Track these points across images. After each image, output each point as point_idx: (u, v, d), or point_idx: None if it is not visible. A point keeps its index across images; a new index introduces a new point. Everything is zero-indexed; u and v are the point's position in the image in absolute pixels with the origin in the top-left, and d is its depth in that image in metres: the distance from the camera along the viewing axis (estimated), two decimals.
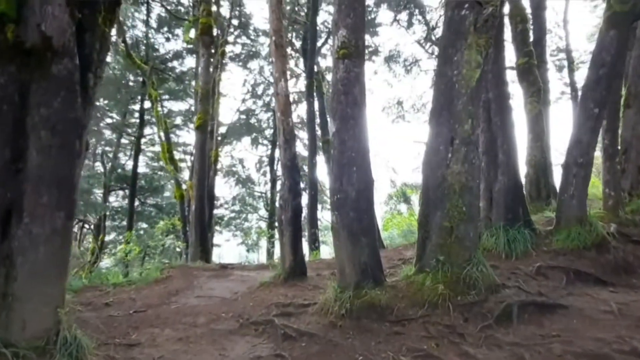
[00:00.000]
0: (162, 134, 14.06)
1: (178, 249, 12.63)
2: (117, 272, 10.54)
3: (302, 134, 24.71)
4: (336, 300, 4.33)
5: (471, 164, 4.36)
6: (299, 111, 25.73)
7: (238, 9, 21.63)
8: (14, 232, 3.11)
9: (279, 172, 26.58)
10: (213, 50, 11.07)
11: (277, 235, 23.50)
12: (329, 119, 10.89)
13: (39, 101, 3.09)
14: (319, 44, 20.02)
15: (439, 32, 17.27)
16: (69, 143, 3.20)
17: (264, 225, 25.70)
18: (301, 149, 26.05)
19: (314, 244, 13.94)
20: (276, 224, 23.88)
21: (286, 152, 6.64)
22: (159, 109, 14.46)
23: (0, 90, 3.02)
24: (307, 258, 10.57)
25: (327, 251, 21.02)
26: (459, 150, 4.34)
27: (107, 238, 24.65)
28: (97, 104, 23.81)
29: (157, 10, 21.95)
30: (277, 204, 9.76)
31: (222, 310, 5.17)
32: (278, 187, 24.68)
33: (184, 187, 13.66)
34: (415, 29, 19.13)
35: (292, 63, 23.88)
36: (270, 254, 21.62)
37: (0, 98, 3.03)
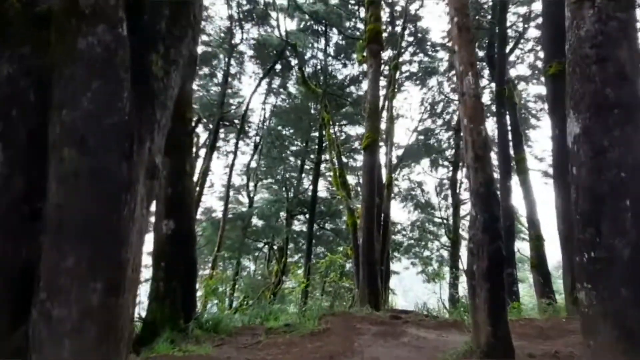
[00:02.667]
0: (334, 157, 13.15)
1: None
2: (283, 308, 9.69)
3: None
4: None
5: None
6: None
7: (412, 24, 20.13)
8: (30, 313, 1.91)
9: (463, 196, 23.79)
10: (383, 65, 9.59)
11: (463, 278, 20.59)
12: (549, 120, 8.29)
13: (60, 99, 1.84)
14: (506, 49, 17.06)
15: None
16: (108, 167, 1.87)
17: (445, 254, 23.06)
18: None
19: (511, 289, 11.01)
20: (463, 274, 21.10)
21: (477, 173, 4.55)
22: (332, 132, 13.62)
23: (6, 86, 1.86)
24: None
25: (524, 292, 17.40)
26: None
27: (291, 260, 25.26)
28: (284, 132, 24.98)
29: (334, 38, 22.06)
30: (467, 247, 7.58)
31: None
32: (462, 212, 21.86)
33: (356, 214, 12.41)
34: None
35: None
36: (455, 299, 18.80)
37: (7, 98, 1.86)
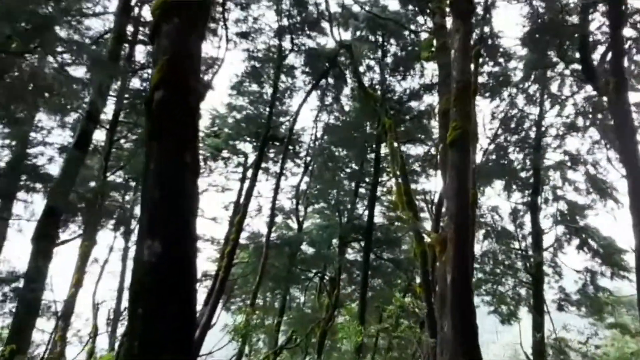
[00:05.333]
0: (397, 171, 10.44)
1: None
2: None
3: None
4: None
5: None
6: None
7: (485, 29, 17.33)
8: None
9: (544, 225, 19.90)
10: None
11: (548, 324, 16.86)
12: None
13: None
14: None
15: None
16: None
17: (523, 292, 19.30)
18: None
19: None
20: (548, 317, 17.25)
21: None
22: (394, 142, 11.00)
23: None
24: None
25: None
26: None
27: (345, 291, 22.41)
28: (337, 153, 22.61)
29: (392, 49, 19.73)
30: None
31: None
32: (546, 243, 18.19)
33: (426, 240, 9.59)
34: None
35: None
36: (540, 342, 15.21)
37: None
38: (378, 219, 21.12)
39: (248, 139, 21.08)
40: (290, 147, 22.66)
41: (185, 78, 4.46)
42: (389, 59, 19.23)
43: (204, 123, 22.05)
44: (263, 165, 23.21)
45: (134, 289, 4.02)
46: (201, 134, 21.55)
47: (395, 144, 11.28)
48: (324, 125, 21.19)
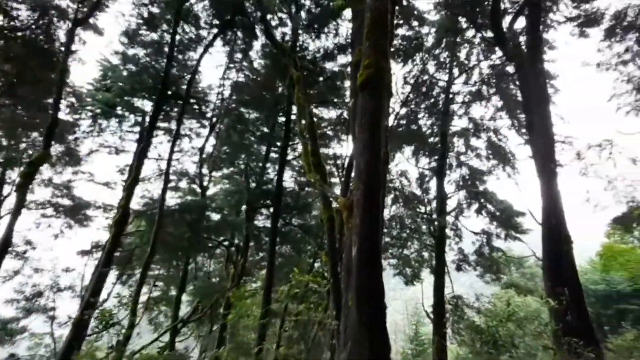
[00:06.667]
0: (305, 131, 9.22)
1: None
2: None
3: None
4: None
5: None
6: None
7: None
8: None
9: (448, 190, 20.30)
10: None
11: (448, 283, 17.25)
12: None
13: None
14: None
15: None
16: None
17: (426, 254, 19.59)
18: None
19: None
20: (448, 278, 17.68)
21: None
22: (302, 97, 9.73)
23: None
24: None
25: None
26: None
27: (253, 259, 21.29)
28: (247, 115, 20.88)
29: (307, 3, 18.16)
30: None
31: None
32: (449, 207, 18.45)
33: (334, 205, 8.66)
34: None
35: None
36: (439, 297, 15.48)
37: None
38: (288, 184, 20.10)
39: (146, 95, 18.52)
40: (196, 107, 20.52)
41: None
42: (302, 15, 17.69)
43: (92, 75, 18.98)
44: (165, 125, 20.82)
45: None
46: (89, 87, 18.53)
47: (306, 104, 10.02)
48: (232, 84, 19.29)
